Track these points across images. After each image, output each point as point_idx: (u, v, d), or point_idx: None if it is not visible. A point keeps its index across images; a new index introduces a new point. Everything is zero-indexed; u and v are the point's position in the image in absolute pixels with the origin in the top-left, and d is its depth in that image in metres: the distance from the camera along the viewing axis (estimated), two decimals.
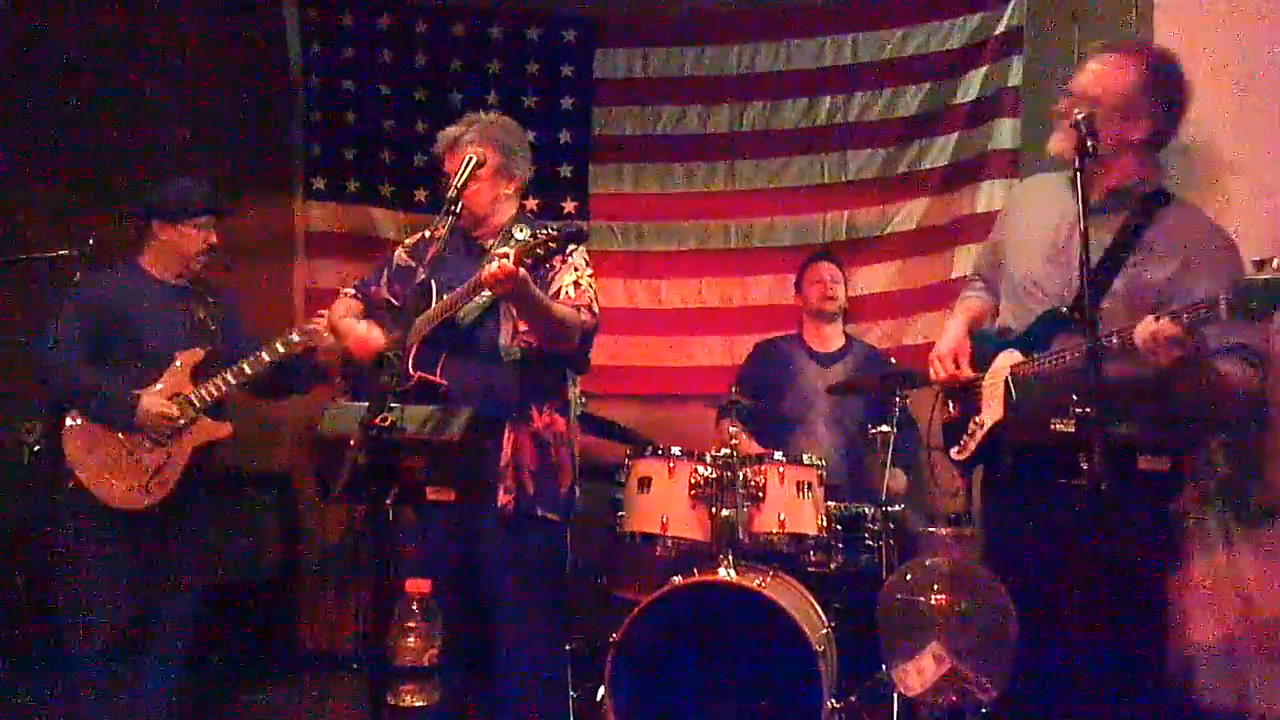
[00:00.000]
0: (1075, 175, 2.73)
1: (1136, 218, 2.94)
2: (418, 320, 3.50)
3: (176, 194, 4.03)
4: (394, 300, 3.77)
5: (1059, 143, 2.95)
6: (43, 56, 5.13)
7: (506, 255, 3.25)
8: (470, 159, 3.28)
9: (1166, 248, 2.88)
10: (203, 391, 3.92)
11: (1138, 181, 2.99)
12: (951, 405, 3.37)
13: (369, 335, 3.65)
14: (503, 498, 3.53)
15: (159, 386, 3.89)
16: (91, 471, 3.80)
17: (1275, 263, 2.44)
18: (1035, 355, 3.03)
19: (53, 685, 3.89)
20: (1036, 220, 3.15)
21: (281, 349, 3.96)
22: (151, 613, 3.90)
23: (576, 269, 3.66)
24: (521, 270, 3.27)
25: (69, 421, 3.83)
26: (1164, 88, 2.90)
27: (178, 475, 3.88)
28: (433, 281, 3.50)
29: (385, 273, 3.86)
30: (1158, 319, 2.65)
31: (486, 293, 3.44)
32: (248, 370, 3.95)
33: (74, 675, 3.80)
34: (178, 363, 3.94)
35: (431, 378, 3.50)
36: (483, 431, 3.19)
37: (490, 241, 3.67)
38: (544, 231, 3.30)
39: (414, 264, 3.75)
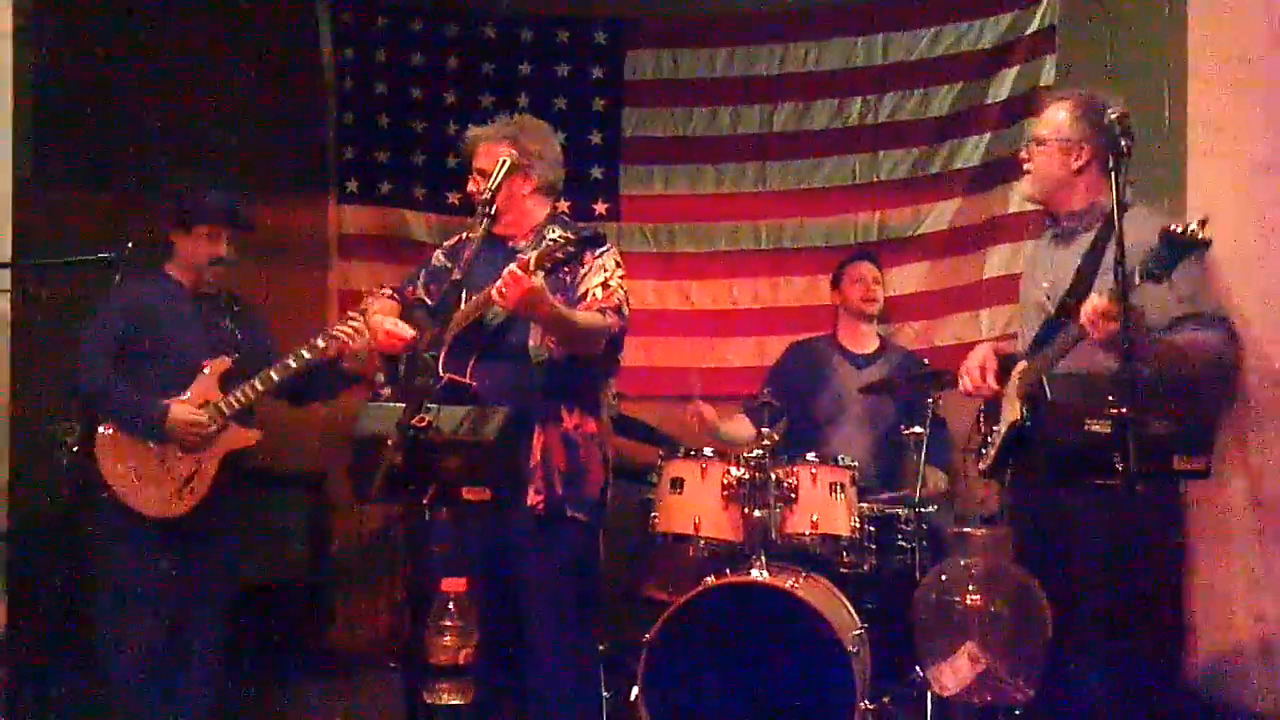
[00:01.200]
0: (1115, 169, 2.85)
1: (1105, 229, 3.20)
2: (452, 322, 3.52)
3: (189, 202, 4.04)
4: (429, 301, 3.79)
5: (1024, 186, 3.58)
6: (79, 62, 5.16)
7: (526, 263, 3.27)
8: (504, 161, 3.29)
9: (1127, 248, 2.98)
10: (231, 399, 3.93)
11: (1096, 200, 3.33)
12: (982, 419, 3.56)
13: (396, 329, 3.64)
14: (533, 498, 3.55)
15: (188, 394, 3.91)
16: (124, 480, 3.83)
17: (1175, 227, 2.72)
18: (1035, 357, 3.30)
19: (89, 691, 3.90)
20: (1032, 268, 3.61)
21: (308, 355, 3.95)
22: (184, 619, 3.92)
23: (605, 269, 3.66)
24: (536, 281, 3.28)
25: (101, 430, 3.85)
26: (1093, 119, 3.26)
27: (209, 483, 3.90)
28: (464, 283, 3.51)
29: (422, 274, 3.89)
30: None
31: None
32: (275, 377, 3.95)
33: (109, 682, 3.81)
34: (206, 370, 3.95)
35: (461, 379, 3.51)
36: (517, 432, 3.22)
37: (522, 243, 3.68)
38: (561, 237, 3.32)
39: (449, 265, 3.77)
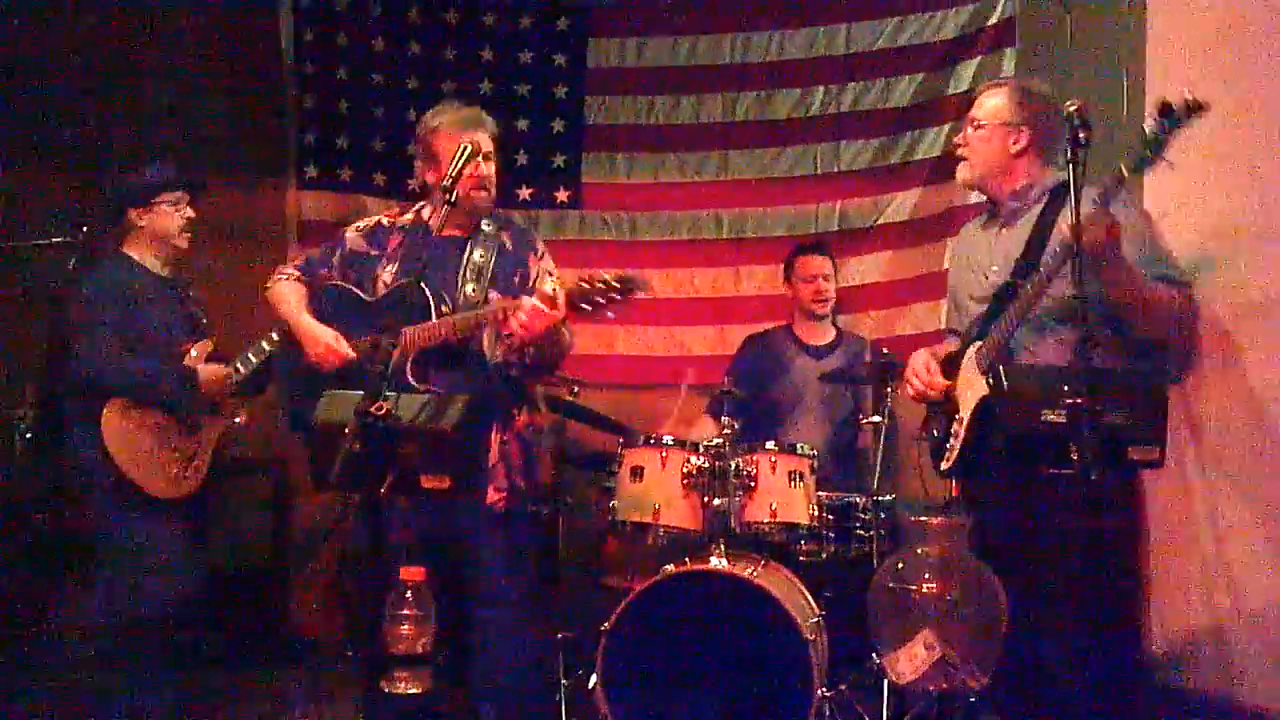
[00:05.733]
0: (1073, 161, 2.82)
1: (1050, 204, 3.33)
2: (414, 331, 3.50)
3: (142, 177, 4.00)
4: (347, 285, 3.76)
5: (962, 172, 3.55)
6: (34, 45, 5.10)
7: (552, 297, 3.27)
8: (465, 147, 3.27)
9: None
10: (239, 365, 3.98)
11: (1034, 180, 3.41)
12: (934, 423, 3.57)
13: (339, 346, 3.61)
14: (493, 495, 3.60)
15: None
16: (133, 462, 3.78)
17: (1171, 100, 2.85)
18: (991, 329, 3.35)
19: (58, 677, 3.85)
20: (970, 256, 3.63)
21: (267, 347, 3.98)
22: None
23: (551, 273, 3.72)
24: (561, 313, 3.30)
25: (106, 414, 3.78)
26: (1031, 105, 3.40)
27: (208, 460, 3.93)
28: (420, 278, 3.51)
29: (336, 256, 3.81)
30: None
31: (490, 307, 3.49)
32: (253, 359, 3.98)
33: (81, 669, 3.78)
34: (193, 353, 3.95)
35: (429, 389, 3.48)
36: (476, 430, 3.25)
37: (466, 235, 3.70)
38: (601, 283, 3.26)
39: (371, 250, 3.75)
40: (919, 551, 3.70)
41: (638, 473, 4.12)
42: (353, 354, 3.57)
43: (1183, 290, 3.25)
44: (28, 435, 3.96)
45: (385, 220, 3.81)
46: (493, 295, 3.64)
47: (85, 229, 3.96)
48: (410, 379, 3.49)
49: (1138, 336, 3.23)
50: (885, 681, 3.96)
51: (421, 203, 3.65)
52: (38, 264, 4.14)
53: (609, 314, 3.34)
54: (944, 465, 3.52)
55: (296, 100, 5.99)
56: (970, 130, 3.49)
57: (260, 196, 5.93)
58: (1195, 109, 2.83)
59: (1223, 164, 3.58)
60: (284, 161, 5.99)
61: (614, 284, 3.24)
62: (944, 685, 3.47)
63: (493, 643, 3.63)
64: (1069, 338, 2.96)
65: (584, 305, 3.28)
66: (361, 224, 3.88)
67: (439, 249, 3.58)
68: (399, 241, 3.67)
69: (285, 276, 3.82)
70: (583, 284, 3.27)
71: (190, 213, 4.01)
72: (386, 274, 3.71)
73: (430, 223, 3.59)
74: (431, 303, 3.55)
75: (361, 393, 2.79)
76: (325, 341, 3.61)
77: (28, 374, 4.34)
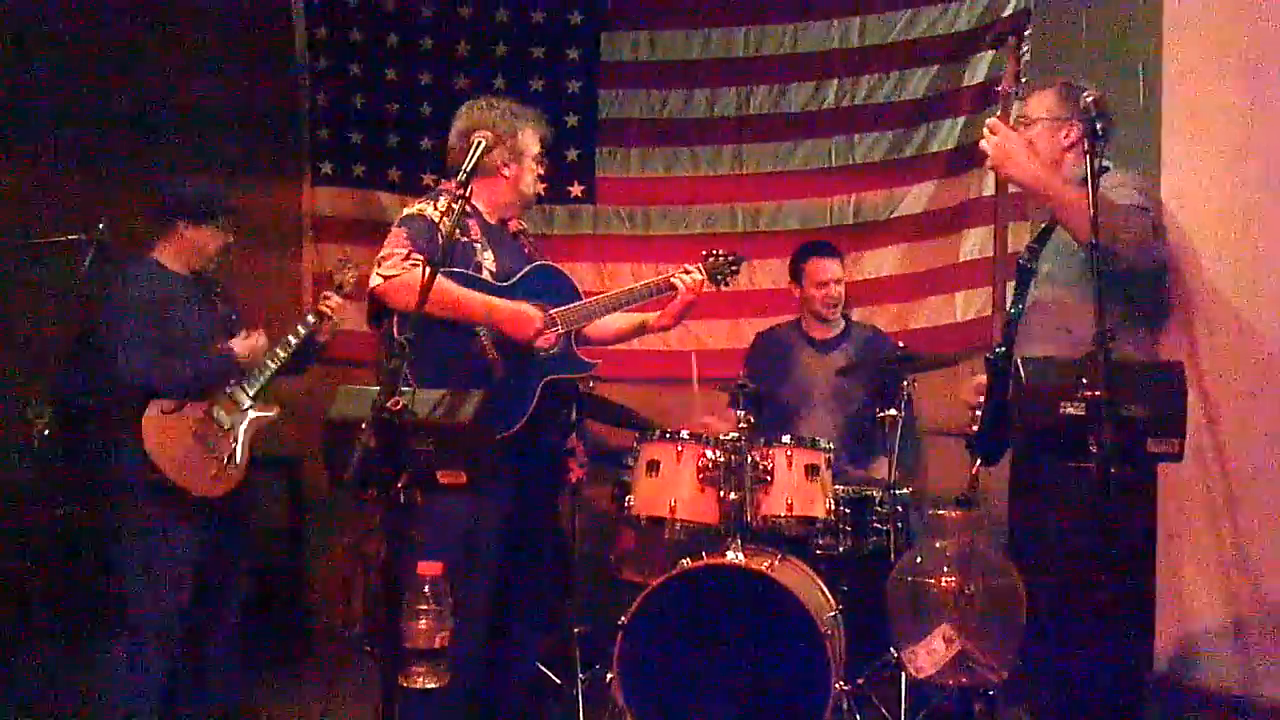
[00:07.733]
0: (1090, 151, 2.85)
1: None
2: (571, 310, 3.77)
3: (200, 195, 4.05)
4: (468, 272, 3.74)
5: None
6: (50, 43, 5.11)
7: (691, 272, 3.85)
8: (480, 142, 3.26)
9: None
10: (258, 374, 4.03)
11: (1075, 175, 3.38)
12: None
13: (532, 312, 3.69)
14: (576, 472, 4.09)
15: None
16: (172, 462, 3.83)
17: None
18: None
19: (97, 670, 3.88)
20: None
21: (303, 330, 4.07)
22: (216, 594, 3.99)
23: None
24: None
25: (148, 413, 3.83)
26: (1076, 103, 3.30)
27: (247, 459, 3.98)
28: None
29: (439, 241, 3.54)
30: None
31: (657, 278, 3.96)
32: (281, 354, 4.04)
33: (131, 660, 3.80)
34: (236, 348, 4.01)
35: (577, 376, 3.97)
36: (564, 421, 3.90)
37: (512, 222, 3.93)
38: (718, 256, 4.00)
39: (461, 236, 3.70)
40: (938, 545, 3.68)
41: (654, 467, 4.12)
42: (541, 319, 3.71)
43: (1161, 233, 3.26)
44: (45, 433, 3.96)
45: (448, 205, 3.67)
46: None
47: (100, 226, 3.96)
48: (580, 355, 3.82)
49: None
50: (904, 676, 3.96)
51: (464, 191, 3.33)
52: (51, 262, 4.14)
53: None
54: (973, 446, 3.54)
55: (310, 96, 6.00)
56: (1022, 128, 3.47)
57: (274, 193, 5.95)
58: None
59: (1239, 155, 3.57)
60: (298, 158, 6.01)
61: (731, 258, 3.99)
62: (963, 679, 3.46)
63: (538, 619, 3.94)
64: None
65: (718, 276, 3.97)
66: (438, 207, 3.71)
67: (508, 237, 3.86)
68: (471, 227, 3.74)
69: (415, 263, 3.54)
70: (711, 258, 3.98)
71: (230, 238, 4.09)
72: (487, 260, 3.73)
73: (485, 211, 3.82)
74: (575, 284, 3.86)
75: (378, 388, 2.79)
76: (526, 313, 3.69)
77: (43, 372, 4.35)
